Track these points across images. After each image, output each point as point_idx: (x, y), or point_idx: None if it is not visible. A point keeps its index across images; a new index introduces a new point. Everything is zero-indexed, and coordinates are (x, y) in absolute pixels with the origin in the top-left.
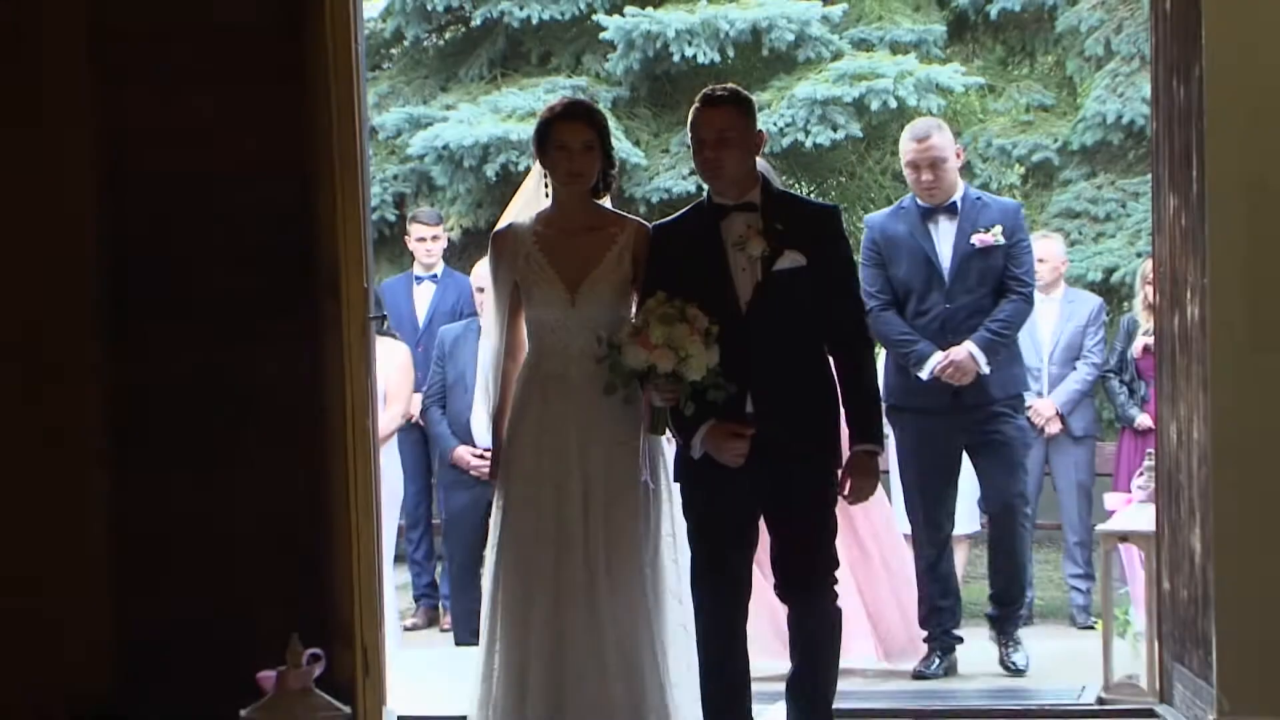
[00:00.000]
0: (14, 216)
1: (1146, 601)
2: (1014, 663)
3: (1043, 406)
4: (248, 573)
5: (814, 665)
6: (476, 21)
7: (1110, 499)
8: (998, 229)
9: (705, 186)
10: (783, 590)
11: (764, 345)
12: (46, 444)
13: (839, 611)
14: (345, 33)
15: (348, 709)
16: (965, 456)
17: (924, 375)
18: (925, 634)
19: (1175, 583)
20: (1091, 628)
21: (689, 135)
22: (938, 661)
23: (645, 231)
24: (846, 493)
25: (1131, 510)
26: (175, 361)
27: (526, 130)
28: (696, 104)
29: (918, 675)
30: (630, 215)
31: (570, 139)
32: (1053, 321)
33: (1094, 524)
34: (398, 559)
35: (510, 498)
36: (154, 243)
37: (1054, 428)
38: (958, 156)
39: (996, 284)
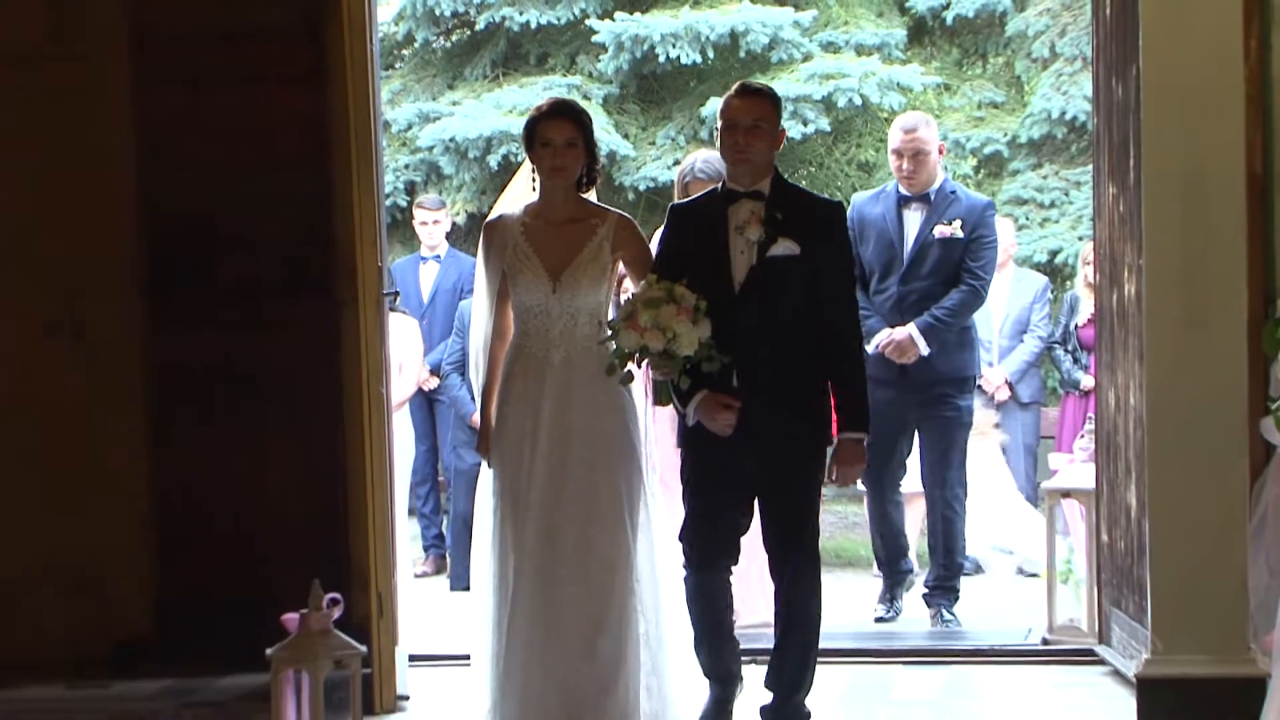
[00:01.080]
0: (63, 207)
1: (1087, 552)
2: (944, 621)
3: (993, 375)
4: (274, 526)
5: (794, 639)
6: (480, 25)
7: (1054, 459)
8: (957, 223)
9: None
10: (771, 564)
11: (753, 324)
12: (94, 412)
13: (819, 584)
14: (361, 36)
15: (364, 648)
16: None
17: (869, 350)
18: (882, 574)
19: (1113, 535)
20: (1036, 576)
21: (719, 120)
22: (891, 605)
23: (625, 222)
24: (834, 478)
25: (1073, 469)
26: (208, 335)
27: None
28: (733, 93)
29: (880, 620)
30: (611, 208)
31: (554, 136)
32: (1003, 298)
33: (1039, 481)
34: (408, 513)
35: (500, 470)
36: (187, 228)
37: (1003, 395)
38: (940, 152)
39: (952, 274)
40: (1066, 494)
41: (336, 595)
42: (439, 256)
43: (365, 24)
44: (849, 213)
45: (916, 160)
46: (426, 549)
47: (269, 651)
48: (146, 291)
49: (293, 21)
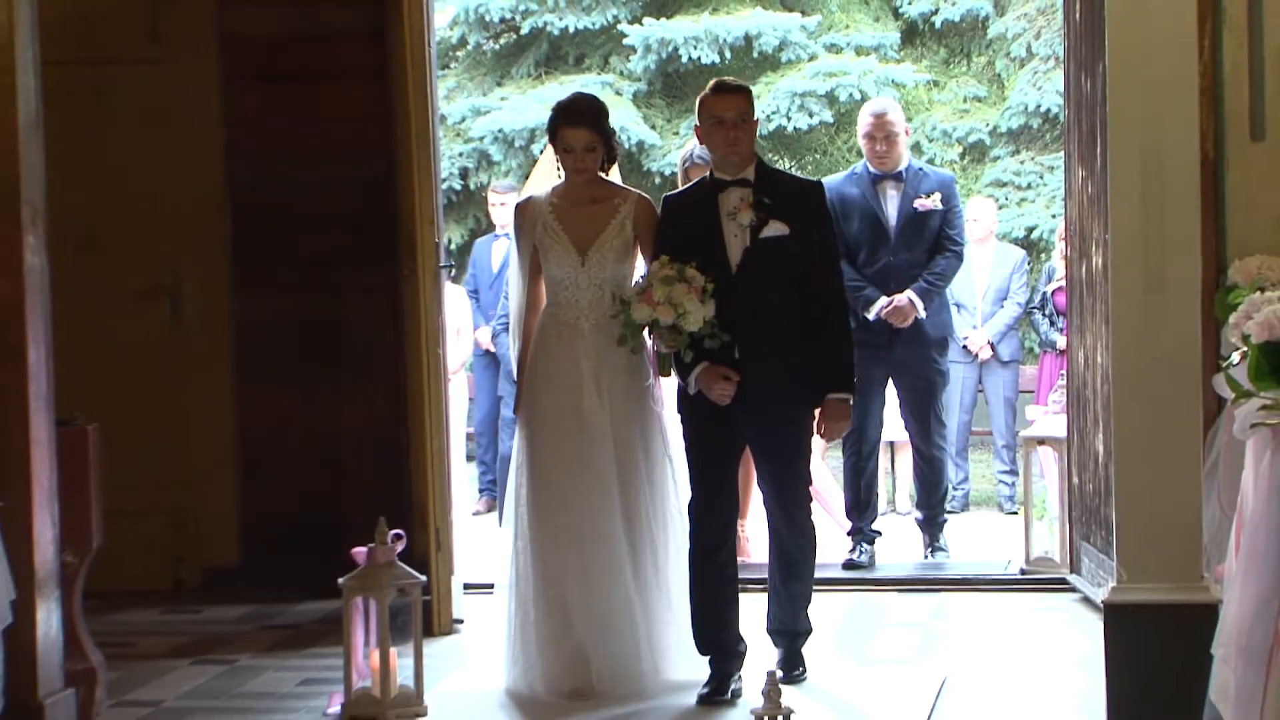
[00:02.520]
0: (161, 188)
1: (1060, 492)
2: (936, 548)
3: (977, 337)
4: (344, 471)
5: (794, 574)
6: (525, 30)
7: (1031, 410)
8: (936, 196)
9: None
10: (768, 511)
11: (751, 301)
12: (186, 367)
13: (813, 527)
14: (420, 39)
15: (423, 578)
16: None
17: (870, 316)
18: (850, 528)
19: (1082, 478)
20: (1015, 514)
21: (700, 116)
22: (863, 551)
23: (644, 201)
24: (821, 433)
25: (1048, 419)
26: (286, 302)
27: None
28: (712, 91)
29: (849, 565)
30: (631, 187)
31: (575, 143)
32: (986, 269)
33: (1018, 430)
34: (468, 459)
35: (532, 426)
36: (268, 208)
37: (986, 354)
38: (906, 133)
39: (933, 242)
40: (1042, 441)
41: (399, 531)
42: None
43: (424, 28)
44: (826, 195)
45: (889, 141)
46: (481, 491)
47: (340, 581)
48: (232, 261)
49: (360, 26)
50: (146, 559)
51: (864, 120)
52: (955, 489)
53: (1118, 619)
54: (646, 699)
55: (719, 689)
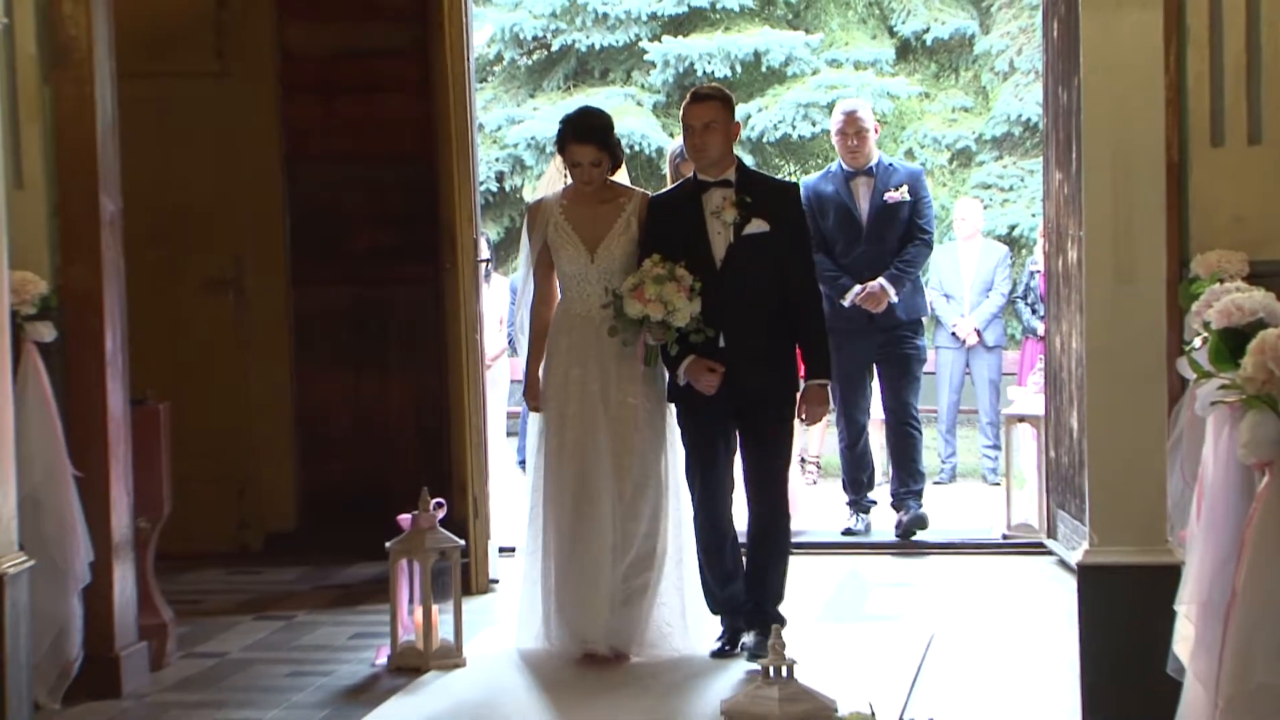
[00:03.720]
0: (226, 191)
1: (1038, 465)
2: (911, 528)
3: (964, 324)
4: (391, 445)
5: (769, 550)
6: (556, 47)
7: (1013, 391)
8: (904, 188)
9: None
10: (747, 490)
11: (735, 294)
12: (248, 351)
13: (787, 509)
14: (460, 55)
15: (462, 542)
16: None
17: (846, 303)
18: (848, 499)
19: (1058, 451)
20: (998, 485)
21: (681, 123)
22: (859, 521)
23: (647, 199)
24: (803, 417)
25: (1028, 399)
26: (338, 293)
27: None
28: (689, 100)
29: (847, 532)
30: (634, 187)
31: (582, 159)
32: (972, 263)
33: (1001, 409)
34: (508, 434)
35: (548, 410)
36: (323, 208)
37: (972, 340)
38: (875, 130)
39: (904, 231)
40: (1022, 419)
41: (441, 499)
42: None
43: (464, 45)
44: (804, 193)
45: (860, 137)
46: (520, 464)
47: (387, 545)
48: (291, 256)
49: (406, 44)
50: (213, 524)
51: (836, 118)
52: (944, 462)
53: (1090, 579)
54: (660, 656)
55: (730, 643)
